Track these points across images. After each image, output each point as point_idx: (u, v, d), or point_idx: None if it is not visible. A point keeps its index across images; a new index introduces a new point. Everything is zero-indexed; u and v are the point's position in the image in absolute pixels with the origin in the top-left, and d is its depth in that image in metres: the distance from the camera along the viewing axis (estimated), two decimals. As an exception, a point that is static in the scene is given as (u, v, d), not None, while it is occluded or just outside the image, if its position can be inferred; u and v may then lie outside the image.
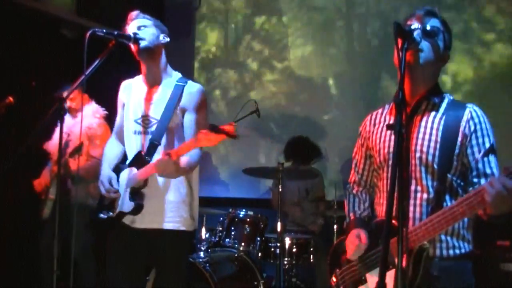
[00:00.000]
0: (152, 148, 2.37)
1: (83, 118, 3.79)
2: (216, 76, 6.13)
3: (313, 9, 5.52)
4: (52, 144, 3.93)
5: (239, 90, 5.90)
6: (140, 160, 2.37)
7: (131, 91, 2.54)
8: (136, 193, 2.35)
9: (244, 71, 5.95)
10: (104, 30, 2.22)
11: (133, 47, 2.37)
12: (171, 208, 2.39)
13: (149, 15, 2.49)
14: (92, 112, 3.91)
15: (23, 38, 4.84)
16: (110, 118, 3.97)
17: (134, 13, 2.47)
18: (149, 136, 2.40)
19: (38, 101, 4.41)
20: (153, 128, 2.40)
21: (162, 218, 2.37)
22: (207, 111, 2.53)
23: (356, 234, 1.89)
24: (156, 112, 2.42)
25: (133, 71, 2.60)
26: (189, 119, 2.44)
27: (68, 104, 3.96)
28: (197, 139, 2.09)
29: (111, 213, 2.43)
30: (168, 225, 2.37)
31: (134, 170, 2.37)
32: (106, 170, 2.45)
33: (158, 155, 2.32)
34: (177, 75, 2.53)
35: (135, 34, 2.35)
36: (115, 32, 2.27)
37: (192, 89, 2.46)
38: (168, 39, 2.48)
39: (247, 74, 5.90)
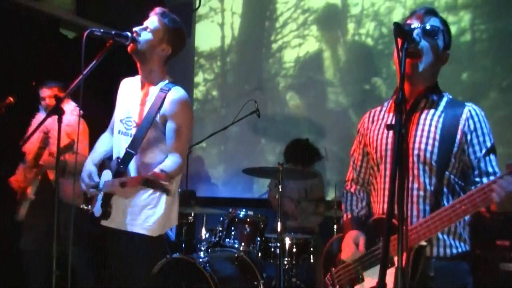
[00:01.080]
0: (127, 156, 2.33)
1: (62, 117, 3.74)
2: (216, 76, 6.13)
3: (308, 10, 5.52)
4: (27, 143, 3.87)
5: (239, 90, 5.89)
6: (115, 167, 2.37)
7: (126, 90, 2.53)
8: (108, 199, 2.33)
9: (244, 71, 5.94)
10: (102, 30, 2.21)
11: (129, 46, 2.35)
12: (136, 211, 2.34)
13: (171, 20, 2.41)
14: (70, 110, 3.89)
15: (23, 38, 4.84)
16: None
17: (159, 10, 2.42)
18: (128, 139, 2.37)
19: (38, 101, 4.41)
20: (132, 131, 2.38)
21: (126, 220, 2.34)
22: (190, 119, 2.43)
23: (354, 239, 1.89)
24: (136, 116, 2.40)
25: (134, 71, 2.59)
26: (169, 127, 2.35)
27: (47, 101, 3.96)
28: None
29: (89, 206, 2.43)
30: (130, 228, 2.34)
31: (110, 174, 2.38)
32: (88, 166, 2.42)
33: (133, 165, 2.34)
34: (165, 81, 2.43)
35: (134, 33, 2.34)
36: (113, 32, 2.26)
37: (174, 96, 2.35)
38: (169, 53, 2.41)
39: (247, 74, 5.90)
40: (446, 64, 1.90)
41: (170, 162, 2.31)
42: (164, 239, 2.50)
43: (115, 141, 2.48)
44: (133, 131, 2.38)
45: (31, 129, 3.93)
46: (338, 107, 5.28)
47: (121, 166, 2.31)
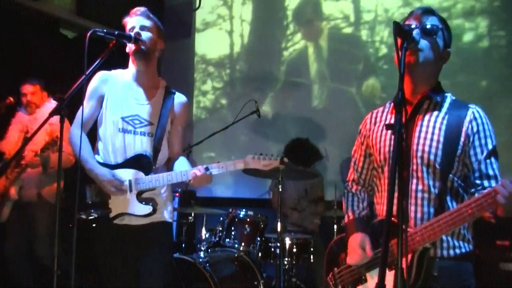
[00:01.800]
0: (155, 154, 2.41)
1: (43, 115, 3.63)
2: (216, 76, 6.13)
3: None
4: (6, 143, 3.87)
5: (239, 90, 5.90)
6: (144, 165, 2.36)
7: (114, 85, 2.45)
8: (147, 197, 2.39)
9: (244, 71, 5.95)
10: (105, 30, 2.21)
11: (132, 46, 2.36)
12: (163, 203, 2.46)
13: (154, 17, 2.49)
14: (51, 108, 3.87)
15: (23, 38, 4.84)
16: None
17: (141, 9, 2.45)
18: (138, 136, 2.39)
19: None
20: (145, 130, 2.40)
21: (162, 211, 2.46)
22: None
23: (360, 242, 1.87)
24: (146, 115, 2.42)
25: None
26: (176, 130, 2.54)
27: (28, 98, 3.91)
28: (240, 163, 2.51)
29: (100, 212, 2.36)
30: (157, 218, 2.42)
31: (141, 174, 2.36)
32: (102, 169, 2.32)
33: (159, 160, 2.42)
34: (163, 82, 2.56)
35: (136, 34, 2.35)
36: (116, 32, 2.26)
37: (181, 100, 2.56)
38: (163, 45, 2.51)
39: (247, 74, 5.90)
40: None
41: (185, 163, 2.51)
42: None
43: (112, 139, 2.38)
44: (146, 129, 2.40)
45: (11, 128, 3.89)
46: (341, 107, 5.28)
47: (154, 167, 2.40)
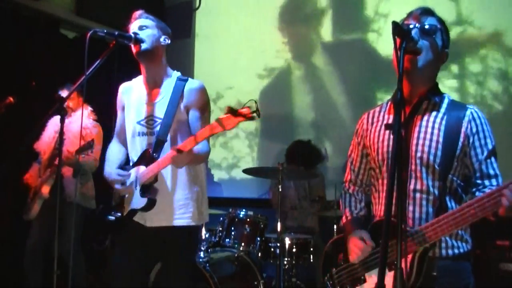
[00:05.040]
0: (158, 145, 2.37)
1: (78, 119, 3.89)
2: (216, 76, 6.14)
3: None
4: (42, 144, 3.98)
5: (239, 90, 5.90)
6: (147, 158, 2.37)
7: (131, 93, 2.53)
8: (147, 189, 2.35)
9: (245, 71, 5.95)
10: (105, 31, 2.22)
11: (133, 48, 2.37)
12: (180, 206, 2.41)
13: (152, 16, 2.49)
14: (86, 114, 4.01)
15: (23, 38, 4.84)
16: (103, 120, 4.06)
17: (138, 12, 2.47)
18: (155, 136, 2.40)
19: (38, 101, 4.42)
20: (158, 127, 2.40)
21: (172, 215, 2.39)
22: (209, 107, 2.52)
23: (359, 237, 1.87)
24: (159, 112, 2.42)
25: (134, 73, 2.60)
26: (193, 115, 2.43)
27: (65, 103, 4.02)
28: (212, 127, 2.05)
29: (119, 214, 2.43)
30: (178, 222, 2.39)
31: (142, 168, 2.37)
32: (108, 169, 2.46)
33: (165, 152, 2.32)
34: (176, 74, 2.52)
35: (135, 34, 2.35)
36: (116, 33, 2.27)
37: (193, 86, 2.46)
38: (169, 41, 2.48)
39: (248, 74, 5.91)
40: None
41: (201, 145, 2.27)
42: (199, 229, 2.55)
43: (133, 144, 2.47)
44: (158, 127, 2.40)
45: (46, 129, 4.01)
46: (342, 107, 5.28)
47: (154, 154, 2.34)
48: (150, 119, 2.43)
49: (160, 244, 2.40)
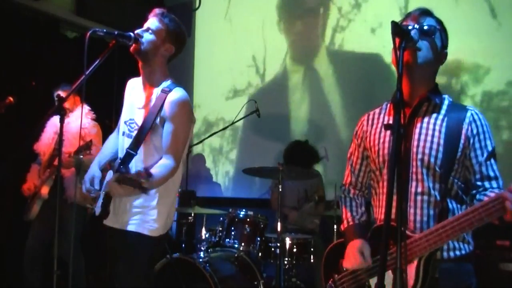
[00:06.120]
0: (127, 157, 2.31)
1: (76, 119, 3.88)
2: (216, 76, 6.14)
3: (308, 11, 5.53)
4: (41, 145, 3.97)
5: (239, 90, 5.90)
6: (115, 165, 2.38)
7: (132, 90, 2.51)
8: (109, 199, 2.35)
9: (245, 72, 5.95)
10: (105, 30, 2.21)
11: (132, 46, 2.34)
12: (136, 212, 2.34)
13: (170, 20, 2.39)
14: (84, 114, 3.97)
15: (23, 38, 4.84)
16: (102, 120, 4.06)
17: (157, 10, 2.41)
18: (130, 140, 2.36)
19: (38, 101, 4.43)
20: (134, 133, 2.36)
21: (126, 220, 2.34)
22: (188, 121, 2.40)
23: (359, 248, 1.86)
24: (139, 118, 2.38)
25: (134, 73, 2.58)
26: (166, 129, 2.31)
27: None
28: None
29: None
30: (130, 227, 2.33)
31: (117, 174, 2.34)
32: (92, 169, 2.44)
33: (133, 166, 2.30)
34: (166, 83, 2.40)
35: (136, 35, 2.32)
36: (116, 32, 2.25)
37: (172, 98, 2.31)
38: (173, 52, 2.40)
39: (247, 74, 5.91)
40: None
41: (161, 165, 2.26)
42: (165, 239, 2.48)
43: (119, 142, 2.47)
44: (134, 133, 2.37)
45: (45, 130, 3.99)
46: (341, 107, 5.28)
47: (121, 167, 2.24)
48: (132, 122, 2.41)
49: (114, 245, 2.40)
